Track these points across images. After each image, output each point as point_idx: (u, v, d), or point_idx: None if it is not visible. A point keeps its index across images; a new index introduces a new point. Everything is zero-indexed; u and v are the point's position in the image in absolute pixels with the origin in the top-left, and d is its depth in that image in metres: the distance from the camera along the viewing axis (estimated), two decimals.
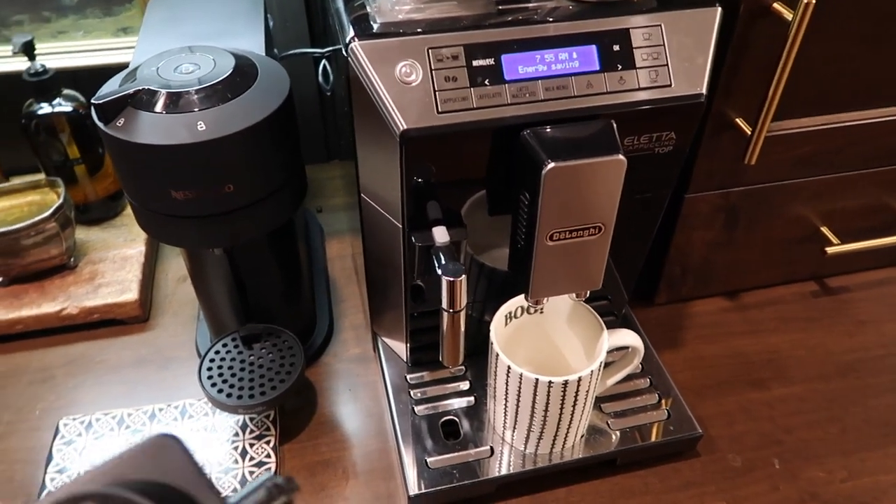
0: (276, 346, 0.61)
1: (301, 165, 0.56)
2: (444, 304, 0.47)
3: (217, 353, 0.61)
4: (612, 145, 0.42)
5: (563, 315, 0.57)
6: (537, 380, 0.50)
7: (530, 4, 0.47)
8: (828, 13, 0.54)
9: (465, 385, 0.62)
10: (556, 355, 0.59)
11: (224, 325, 0.64)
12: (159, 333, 0.71)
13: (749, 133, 0.56)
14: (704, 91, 0.46)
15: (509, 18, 0.45)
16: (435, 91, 0.43)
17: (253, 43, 0.56)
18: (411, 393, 0.61)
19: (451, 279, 0.45)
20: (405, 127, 0.42)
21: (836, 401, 0.65)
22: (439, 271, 0.45)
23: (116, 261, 0.74)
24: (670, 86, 0.45)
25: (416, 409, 0.59)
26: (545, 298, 0.49)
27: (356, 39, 0.42)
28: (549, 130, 0.43)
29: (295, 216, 0.64)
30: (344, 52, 0.43)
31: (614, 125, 0.44)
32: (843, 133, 0.63)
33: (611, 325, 0.55)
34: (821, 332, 0.72)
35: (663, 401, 0.60)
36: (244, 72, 0.50)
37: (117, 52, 0.78)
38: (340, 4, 0.47)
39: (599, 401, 0.60)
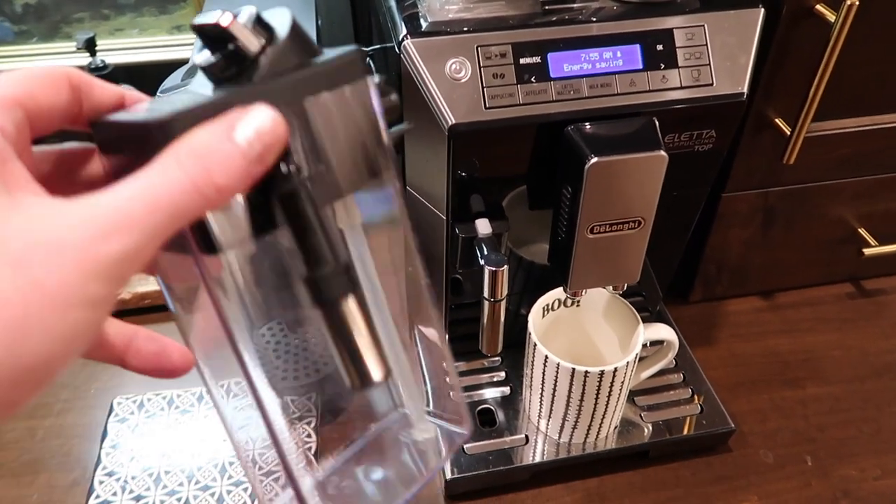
0: (319, 332, 0.63)
1: None
2: (486, 294, 0.48)
3: (262, 336, 0.63)
4: (653, 141, 0.44)
5: (599, 308, 0.58)
6: (574, 370, 0.51)
7: (575, 5, 0.48)
8: (871, 15, 0.54)
9: (500, 375, 0.63)
10: (591, 348, 0.61)
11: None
12: None
13: (788, 133, 0.57)
14: (746, 90, 0.47)
15: (555, 18, 0.46)
16: (483, 87, 0.44)
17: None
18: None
19: (494, 269, 0.47)
20: (454, 121, 0.44)
21: (871, 401, 0.65)
22: (482, 261, 0.47)
23: None
24: (712, 85, 0.47)
25: None
26: (583, 290, 0.51)
27: (409, 37, 0.44)
28: (592, 126, 0.45)
29: None
30: (396, 50, 0.45)
31: (656, 122, 0.45)
32: (884, 135, 0.63)
33: (645, 321, 0.56)
34: (857, 333, 0.72)
35: (696, 396, 0.61)
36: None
37: (172, 49, 0.81)
38: (393, 3, 0.49)
39: (633, 394, 0.61)
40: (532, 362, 0.55)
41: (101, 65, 0.74)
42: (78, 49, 0.71)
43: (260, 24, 0.24)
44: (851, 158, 0.64)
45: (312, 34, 0.59)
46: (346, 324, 0.27)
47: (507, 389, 0.62)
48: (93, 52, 0.73)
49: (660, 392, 0.62)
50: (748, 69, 0.47)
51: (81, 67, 0.74)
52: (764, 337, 0.71)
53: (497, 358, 0.64)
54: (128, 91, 0.26)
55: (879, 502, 0.57)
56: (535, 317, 0.55)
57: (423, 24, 0.46)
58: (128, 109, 0.26)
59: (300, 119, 0.24)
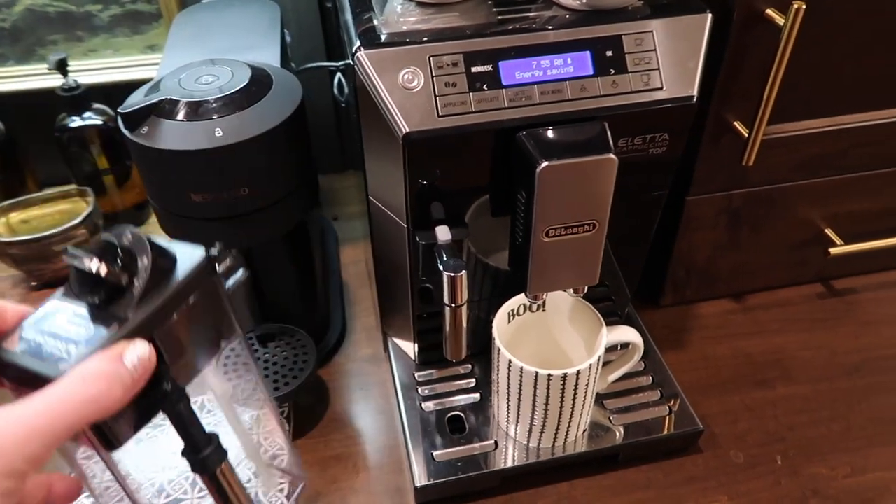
0: (290, 345, 0.64)
1: (313, 171, 0.59)
2: (446, 299, 0.49)
3: (232, 350, 0.63)
4: (604, 145, 0.45)
5: (564, 312, 0.59)
6: (537, 373, 0.52)
7: (529, 14, 0.49)
8: (823, 17, 0.55)
9: (471, 382, 0.64)
10: (558, 352, 0.61)
11: (241, 324, 0.66)
12: None
13: (746, 136, 0.58)
14: (695, 93, 0.48)
15: (508, 27, 0.47)
16: (436, 96, 0.45)
17: (269, 56, 0.60)
18: (419, 390, 0.63)
19: (452, 274, 0.47)
20: (407, 130, 0.45)
21: (841, 400, 0.66)
22: (441, 267, 0.48)
23: None
24: (662, 89, 0.48)
25: (424, 405, 0.61)
26: (544, 294, 0.51)
27: (362, 49, 0.45)
28: (543, 132, 0.45)
29: (309, 221, 0.68)
30: (351, 61, 0.46)
31: (607, 126, 0.46)
32: (847, 135, 0.64)
33: (614, 325, 0.56)
34: (826, 333, 0.72)
35: (665, 397, 0.62)
36: (260, 82, 0.53)
37: (145, 69, 0.82)
38: (349, 17, 0.50)
39: (601, 397, 0.61)
40: (497, 367, 0.55)
41: (73, 85, 0.75)
42: (49, 70, 0.72)
43: (127, 257, 0.32)
44: (813, 160, 0.65)
45: (277, 52, 0.60)
46: (225, 482, 0.39)
47: (477, 396, 0.62)
48: (65, 73, 0.74)
49: (629, 395, 0.62)
50: (697, 73, 0.48)
51: (54, 88, 0.75)
52: (734, 339, 0.72)
53: (468, 365, 0.65)
54: (25, 310, 0.33)
55: (849, 500, 0.58)
56: (499, 322, 0.56)
57: (377, 36, 0.46)
58: (20, 329, 0.32)
59: (165, 335, 0.32)
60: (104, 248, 0.31)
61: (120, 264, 0.31)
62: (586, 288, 0.52)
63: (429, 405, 0.62)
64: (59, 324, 0.32)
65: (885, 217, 0.72)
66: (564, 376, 0.51)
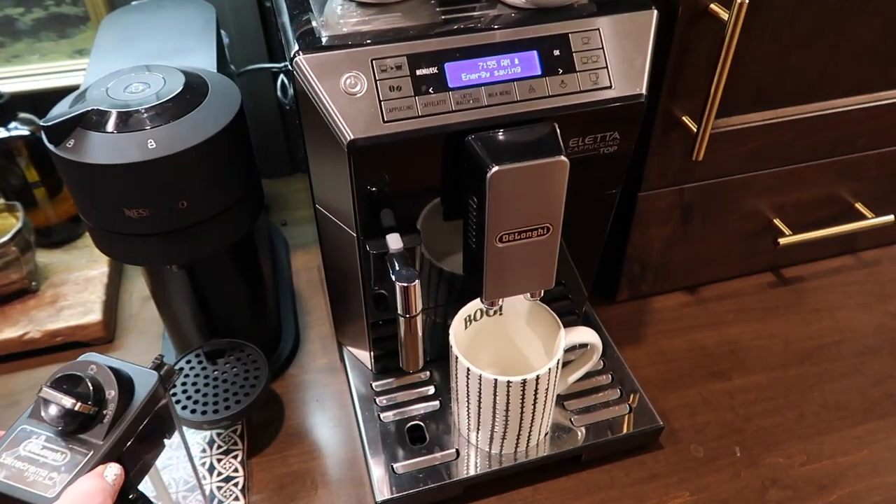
0: (240, 361, 0.61)
1: (257, 179, 0.57)
2: (400, 310, 0.47)
3: (181, 369, 0.61)
4: (554, 147, 0.44)
5: (522, 316, 0.58)
6: (496, 380, 0.51)
7: (474, 13, 0.48)
8: (768, 12, 0.56)
9: (430, 390, 0.62)
10: (518, 356, 0.60)
11: (188, 341, 0.64)
12: (125, 353, 0.71)
13: (695, 130, 0.58)
14: (644, 91, 0.47)
15: (452, 27, 0.46)
16: (380, 101, 0.43)
17: (204, 60, 0.57)
18: (377, 400, 0.61)
19: (405, 284, 0.46)
20: (352, 137, 0.43)
21: (795, 388, 0.66)
22: (393, 277, 0.46)
23: (79, 282, 0.73)
24: (611, 87, 0.47)
25: (382, 416, 0.60)
26: (500, 299, 0.50)
27: (301, 53, 0.43)
28: (492, 135, 0.44)
29: (256, 230, 0.65)
30: (290, 66, 0.44)
31: (557, 128, 0.45)
32: (790, 127, 0.65)
33: (572, 324, 0.56)
34: (779, 321, 0.73)
35: (625, 396, 0.62)
36: (194, 89, 0.50)
37: (74, 75, 0.78)
38: (286, 19, 0.48)
39: (562, 398, 0.61)
40: (456, 375, 0.54)
41: None
42: None
43: (97, 392, 0.38)
44: (760, 152, 0.66)
45: (212, 56, 0.57)
46: None
47: (437, 403, 0.61)
48: None
49: (589, 395, 0.62)
50: (645, 70, 0.47)
51: None
52: (690, 332, 0.72)
53: (426, 372, 0.63)
54: None
55: (806, 487, 0.58)
56: (456, 329, 0.55)
57: (317, 39, 0.44)
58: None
59: (129, 451, 0.39)
60: (75, 383, 0.38)
61: (91, 399, 0.38)
62: (542, 292, 0.51)
63: (387, 415, 0.60)
64: (34, 450, 0.38)
65: (831, 205, 0.74)
66: (524, 382, 0.51)
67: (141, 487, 0.41)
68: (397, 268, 0.47)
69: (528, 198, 0.44)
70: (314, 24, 0.46)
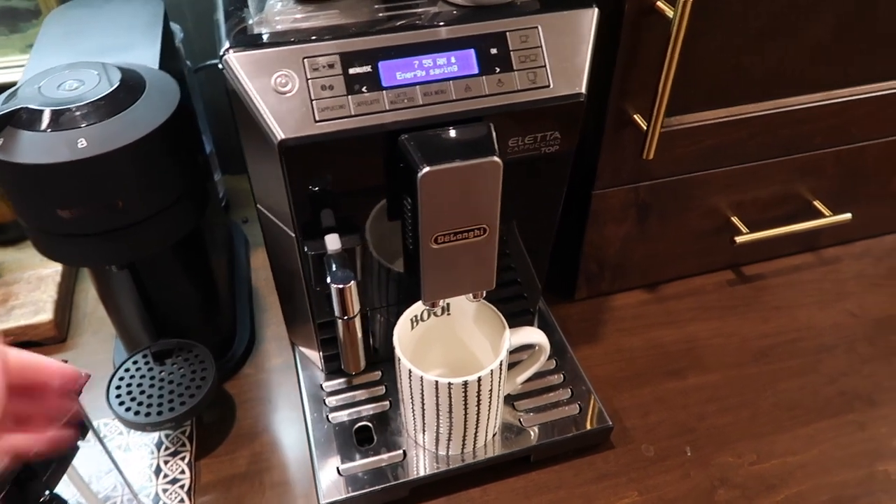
0: (187, 361, 0.61)
1: (201, 177, 0.56)
2: (337, 312, 0.47)
3: (127, 370, 0.60)
4: (488, 147, 0.43)
5: (469, 315, 0.57)
6: (437, 382, 0.50)
7: (414, 10, 0.47)
8: (718, 10, 0.55)
9: (381, 390, 0.62)
10: (467, 355, 0.60)
11: (137, 341, 0.63)
12: (77, 353, 0.70)
13: (645, 129, 0.57)
14: (584, 90, 0.47)
15: (388, 25, 0.45)
16: (312, 100, 0.43)
17: (147, 56, 0.56)
18: (326, 401, 0.61)
19: (340, 286, 0.45)
20: (282, 137, 0.42)
21: (749, 386, 0.66)
22: (328, 279, 0.46)
23: (31, 281, 0.72)
24: (549, 86, 0.46)
25: (331, 416, 0.59)
26: (442, 300, 0.50)
27: (230, 51, 0.42)
28: (425, 135, 0.43)
29: (208, 228, 0.64)
30: (220, 64, 0.43)
31: (492, 127, 0.44)
32: (744, 125, 0.64)
33: (526, 322, 0.56)
34: (737, 319, 0.73)
35: (576, 395, 0.61)
36: (130, 86, 0.49)
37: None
38: (221, 16, 0.47)
39: (512, 398, 0.60)
40: (400, 377, 0.53)
41: None
42: None
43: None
44: (715, 149, 0.65)
45: (156, 52, 0.56)
46: None
47: (386, 404, 0.61)
48: None
49: (539, 395, 0.61)
50: (585, 69, 0.47)
51: None
52: (648, 329, 0.72)
53: (377, 372, 0.63)
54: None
55: (755, 486, 0.58)
56: (401, 330, 0.54)
57: (248, 37, 0.44)
58: None
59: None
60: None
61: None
62: (485, 292, 0.50)
63: (337, 416, 0.60)
64: None
65: (789, 202, 0.73)
66: (465, 384, 0.50)
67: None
68: (333, 269, 0.46)
69: (461, 199, 0.43)
70: (249, 21, 0.46)
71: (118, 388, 0.59)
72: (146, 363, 0.61)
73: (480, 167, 0.42)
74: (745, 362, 0.69)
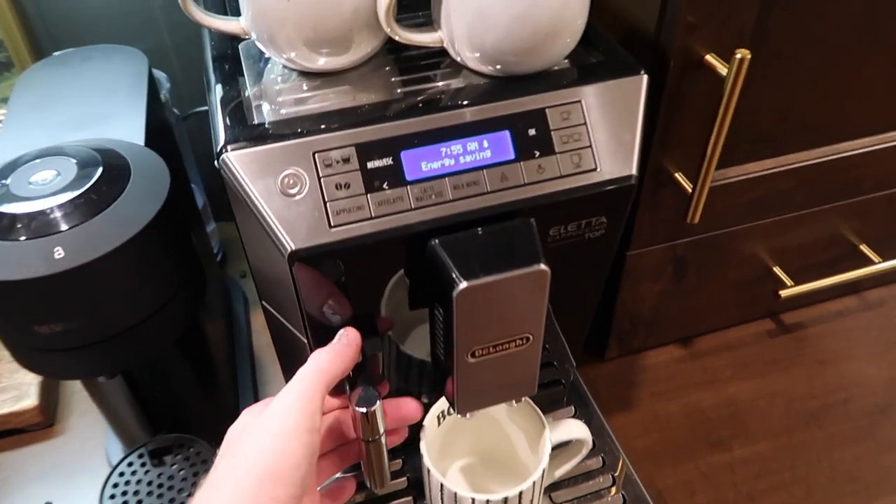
0: (188, 460, 0.55)
1: (196, 267, 0.50)
2: (362, 435, 0.41)
3: (121, 474, 0.54)
4: (532, 253, 0.37)
5: (503, 408, 0.52)
6: (473, 500, 0.45)
7: (436, 84, 0.41)
8: (769, 56, 0.49)
9: (402, 483, 0.56)
10: (501, 443, 0.54)
11: (133, 437, 0.57)
12: (66, 440, 0.64)
13: (689, 191, 0.51)
14: (635, 172, 0.41)
15: (408, 104, 0.39)
16: (325, 202, 0.37)
17: (131, 128, 0.49)
18: None
19: (364, 410, 0.39)
20: (293, 248, 0.36)
21: (800, 457, 0.61)
22: (350, 400, 0.40)
23: (13, 362, 0.66)
24: (596, 170, 0.40)
25: None
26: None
27: (227, 148, 0.36)
28: (459, 240, 0.38)
29: (203, 307, 0.58)
30: (216, 163, 0.37)
31: (534, 226, 0.38)
32: (791, 175, 0.59)
33: (558, 395, 0.49)
34: (780, 376, 0.68)
35: (617, 482, 0.56)
36: (113, 175, 0.43)
37: None
38: (216, 97, 0.40)
39: (549, 490, 0.55)
40: (430, 488, 0.48)
41: None
42: None
43: None
44: (760, 201, 0.60)
45: (141, 121, 0.50)
46: None
47: (409, 500, 0.55)
48: None
49: (578, 484, 0.56)
50: (635, 147, 0.41)
51: None
52: (685, 392, 0.67)
53: (397, 461, 0.57)
54: None
55: None
56: (429, 430, 0.48)
57: (248, 129, 0.37)
58: None
59: None
60: None
61: None
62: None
63: None
64: None
65: (833, 247, 0.68)
66: (505, 501, 0.45)
67: None
68: (356, 385, 0.40)
69: (503, 311, 0.38)
70: (249, 103, 0.39)
71: (113, 497, 0.53)
72: (143, 464, 0.55)
73: (526, 278, 0.37)
74: (793, 428, 0.63)
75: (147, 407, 0.54)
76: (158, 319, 0.45)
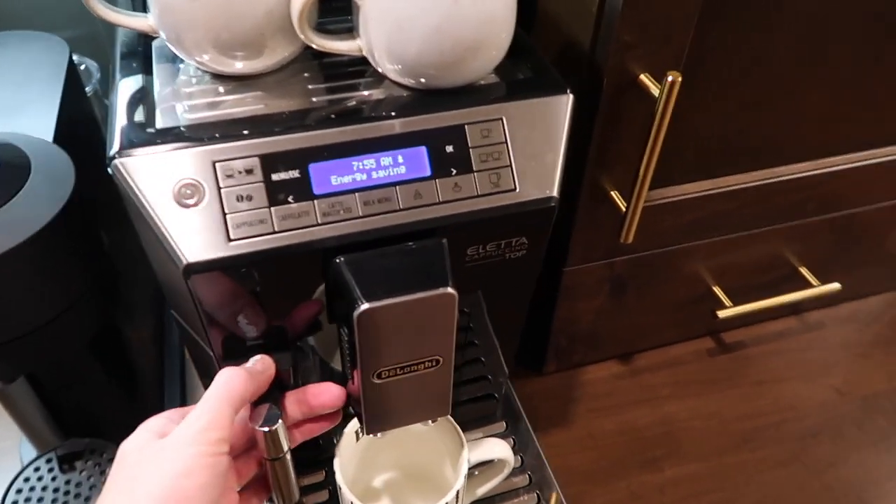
0: (98, 466, 0.53)
1: (109, 268, 0.48)
2: (265, 454, 0.39)
3: (27, 480, 0.52)
4: (440, 275, 0.36)
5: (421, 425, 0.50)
6: None
7: (354, 93, 0.40)
8: (707, 78, 0.49)
9: (323, 496, 0.55)
10: (425, 459, 0.53)
11: (45, 441, 0.55)
12: None
13: (624, 210, 0.51)
14: (556, 194, 0.40)
15: (321, 116, 0.37)
16: (225, 214, 0.35)
17: (41, 124, 0.47)
18: None
19: (266, 430, 0.38)
20: (188, 262, 0.35)
21: (729, 479, 0.61)
22: (250, 423, 0.38)
23: None
24: (515, 190, 0.39)
25: None
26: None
27: (119, 154, 0.34)
28: (365, 258, 0.36)
29: (128, 306, 0.56)
30: (108, 169, 0.35)
31: (445, 246, 0.37)
32: (733, 196, 0.58)
33: (490, 409, 0.48)
34: (717, 396, 0.67)
35: (542, 501, 0.55)
36: (8, 174, 0.41)
37: None
38: (117, 98, 0.38)
39: None
40: (342, 501, 0.46)
41: None
42: None
43: None
44: (700, 222, 0.59)
45: (53, 115, 0.48)
46: None
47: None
48: None
49: (503, 502, 0.55)
50: (557, 168, 0.40)
51: None
52: (622, 410, 0.66)
53: (320, 473, 0.56)
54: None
55: None
56: (345, 446, 0.47)
57: (145, 133, 0.35)
58: None
59: None
60: None
61: None
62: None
63: None
64: None
65: (772, 269, 0.68)
66: None
67: None
68: (260, 405, 0.39)
69: (409, 333, 0.36)
70: (153, 106, 0.37)
71: (15, 503, 0.51)
72: (50, 469, 0.53)
73: (432, 301, 0.35)
74: (726, 449, 0.63)
75: (59, 411, 0.52)
76: (61, 323, 0.43)
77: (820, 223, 0.64)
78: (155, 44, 0.42)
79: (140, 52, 0.42)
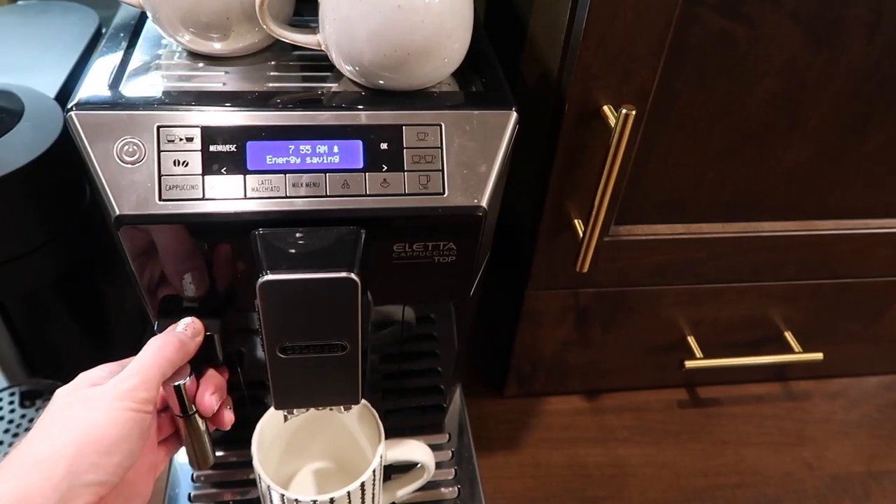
0: None
1: (84, 213, 0.51)
2: (175, 410, 0.41)
3: None
4: (346, 260, 0.37)
5: (354, 411, 0.52)
6: (283, 495, 0.44)
7: (308, 84, 0.42)
8: (679, 120, 0.49)
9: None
10: (353, 449, 0.54)
11: (12, 375, 0.59)
12: None
13: (580, 236, 0.51)
14: (485, 205, 0.41)
15: (267, 98, 0.40)
16: (160, 175, 0.38)
17: (51, 78, 0.51)
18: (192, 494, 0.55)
19: (176, 384, 0.40)
20: (118, 213, 0.37)
21: None
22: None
23: None
24: (443, 194, 0.40)
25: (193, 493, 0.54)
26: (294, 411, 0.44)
27: (75, 108, 0.37)
28: (280, 234, 0.38)
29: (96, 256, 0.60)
30: (65, 120, 0.38)
31: (362, 236, 0.39)
32: (703, 244, 0.57)
33: (436, 419, 0.49)
34: (676, 448, 0.66)
35: None
36: (3, 116, 0.45)
37: None
38: (94, 60, 0.42)
39: None
40: (259, 482, 0.48)
41: None
42: None
43: None
44: (669, 265, 0.58)
45: (63, 74, 0.52)
46: None
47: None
48: None
49: None
50: (490, 181, 0.41)
51: None
52: (574, 444, 0.65)
53: None
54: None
55: None
56: (268, 424, 0.49)
57: (104, 92, 0.39)
58: None
59: None
60: None
61: None
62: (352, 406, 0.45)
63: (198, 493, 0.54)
64: None
65: (754, 327, 0.66)
66: (314, 503, 0.44)
67: None
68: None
69: (312, 313, 0.38)
70: (123, 72, 0.41)
71: None
72: (10, 403, 0.56)
73: (332, 282, 0.37)
74: (672, 502, 0.61)
75: (29, 350, 0.56)
76: (36, 257, 0.47)
77: (802, 287, 0.62)
78: (148, 22, 0.46)
79: (132, 25, 0.46)
